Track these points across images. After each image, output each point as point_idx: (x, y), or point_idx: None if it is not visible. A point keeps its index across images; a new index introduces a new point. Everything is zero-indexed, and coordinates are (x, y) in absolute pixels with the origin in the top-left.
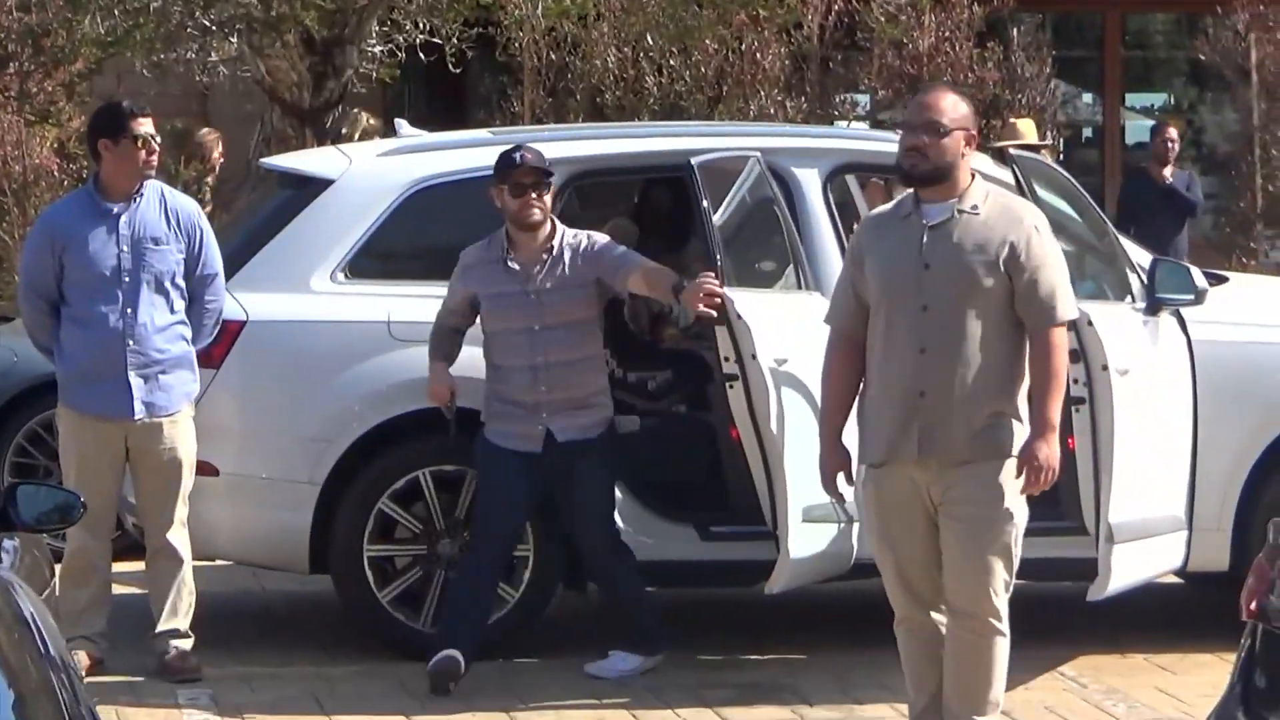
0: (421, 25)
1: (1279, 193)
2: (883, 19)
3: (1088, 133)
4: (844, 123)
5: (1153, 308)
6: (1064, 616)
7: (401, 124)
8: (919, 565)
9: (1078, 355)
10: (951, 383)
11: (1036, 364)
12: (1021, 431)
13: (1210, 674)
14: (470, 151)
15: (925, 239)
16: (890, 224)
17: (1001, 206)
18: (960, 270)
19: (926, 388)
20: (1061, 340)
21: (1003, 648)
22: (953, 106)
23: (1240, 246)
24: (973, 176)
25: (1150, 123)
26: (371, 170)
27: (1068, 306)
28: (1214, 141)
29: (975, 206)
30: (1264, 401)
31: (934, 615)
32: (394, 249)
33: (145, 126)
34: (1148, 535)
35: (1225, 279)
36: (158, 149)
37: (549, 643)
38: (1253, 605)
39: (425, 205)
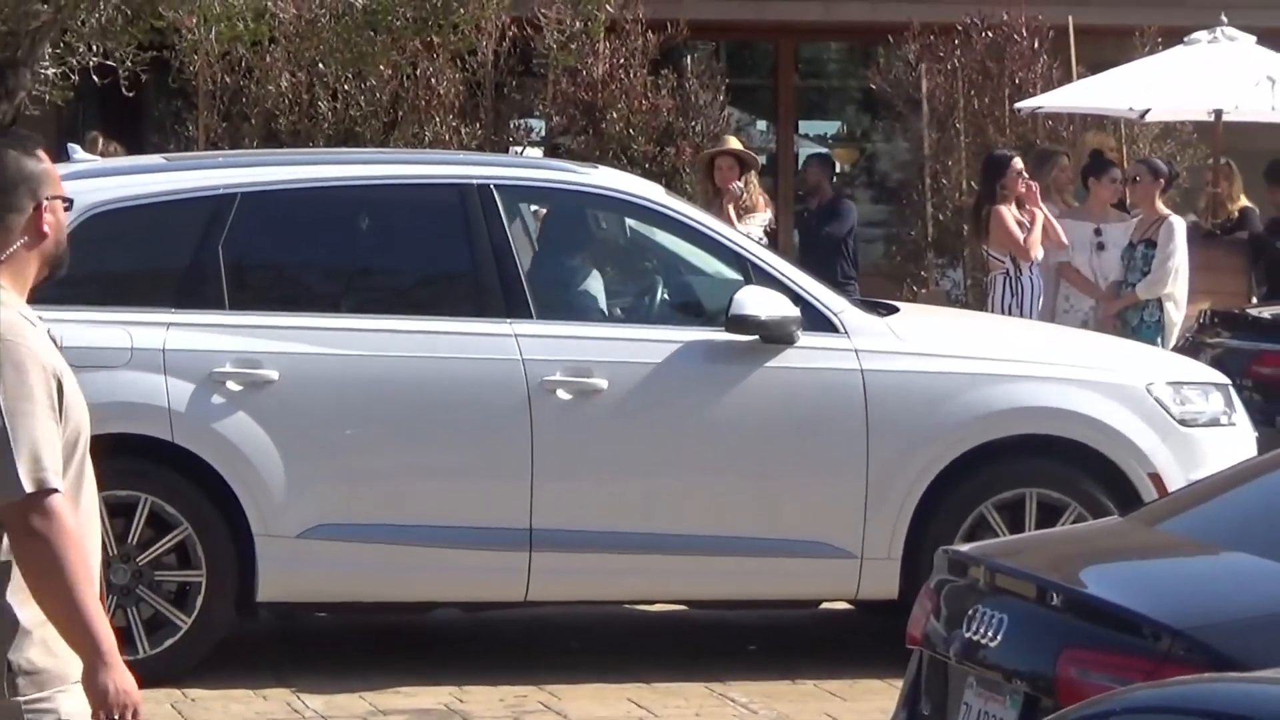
0: (95, 48)
1: (949, 222)
2: (555, 46)
3: (762, 159)
4: (518, 149)
5: None
6: (732, 643)
7: (74, 149)
8: None
9: None
10: None
11: (23, 561)
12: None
13: (879, 699)
14: (145, 177)
15: None
16: None
17: None
18: None
19: None
20: (51, 513)
21: None
22: None
23: (911, 274)
24: None
25: (824, 150)
26: None
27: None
28: (886, 170)
29: None
30: (933, 426)
31: None
32: (68, 274)
33: None
34: None
35: (896, 309)
36: None
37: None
38: (917, 633)
39: (101, 230)
